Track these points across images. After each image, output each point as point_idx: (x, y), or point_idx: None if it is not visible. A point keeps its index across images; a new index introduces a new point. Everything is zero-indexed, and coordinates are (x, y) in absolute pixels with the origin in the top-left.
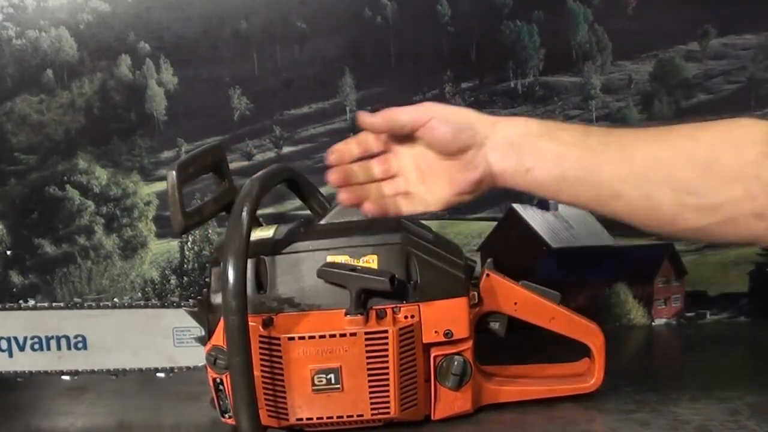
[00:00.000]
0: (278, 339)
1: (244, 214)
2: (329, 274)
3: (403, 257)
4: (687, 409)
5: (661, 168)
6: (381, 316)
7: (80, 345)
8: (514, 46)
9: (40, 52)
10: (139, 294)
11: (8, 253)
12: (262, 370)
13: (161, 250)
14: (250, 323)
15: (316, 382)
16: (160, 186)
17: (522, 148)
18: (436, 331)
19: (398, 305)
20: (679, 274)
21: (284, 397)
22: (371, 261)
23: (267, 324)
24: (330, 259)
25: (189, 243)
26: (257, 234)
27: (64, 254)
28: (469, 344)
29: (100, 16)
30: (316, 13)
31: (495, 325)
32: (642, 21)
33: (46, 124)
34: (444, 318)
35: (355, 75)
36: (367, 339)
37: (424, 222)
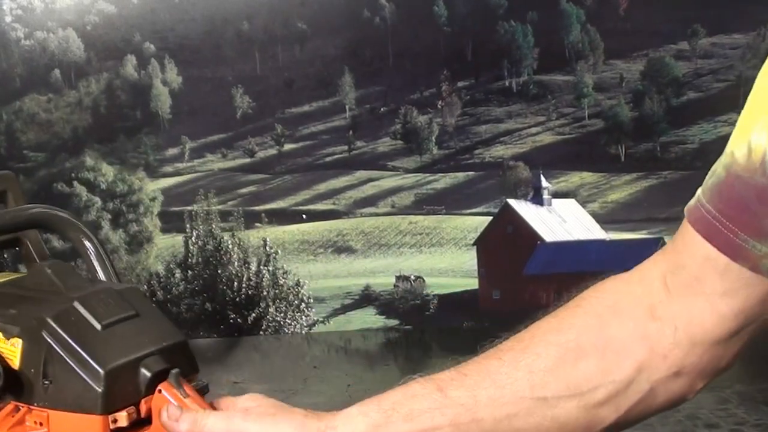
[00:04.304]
0: None
1: None
2: None
3: (42, 349)
4: None
5: (548, 382)
6: (16, 413)
7: None
8: (509, 45)
9: (48, 52)
10: (145, 287)
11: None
12: None
13: (166, 244)
14: None
15: None
16: (165, 183)
17: None
18: None
19: (30, 407)
20: None
21: None
22: (16, 345)
23: None
24: None
25: (193, 238)
26: None
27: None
28: None
29: (106, 17)
30: (316, 14)
31: None
32: (633, 21)
33: (54, 123)
34: None
35: (354, 74)
36: None
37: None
